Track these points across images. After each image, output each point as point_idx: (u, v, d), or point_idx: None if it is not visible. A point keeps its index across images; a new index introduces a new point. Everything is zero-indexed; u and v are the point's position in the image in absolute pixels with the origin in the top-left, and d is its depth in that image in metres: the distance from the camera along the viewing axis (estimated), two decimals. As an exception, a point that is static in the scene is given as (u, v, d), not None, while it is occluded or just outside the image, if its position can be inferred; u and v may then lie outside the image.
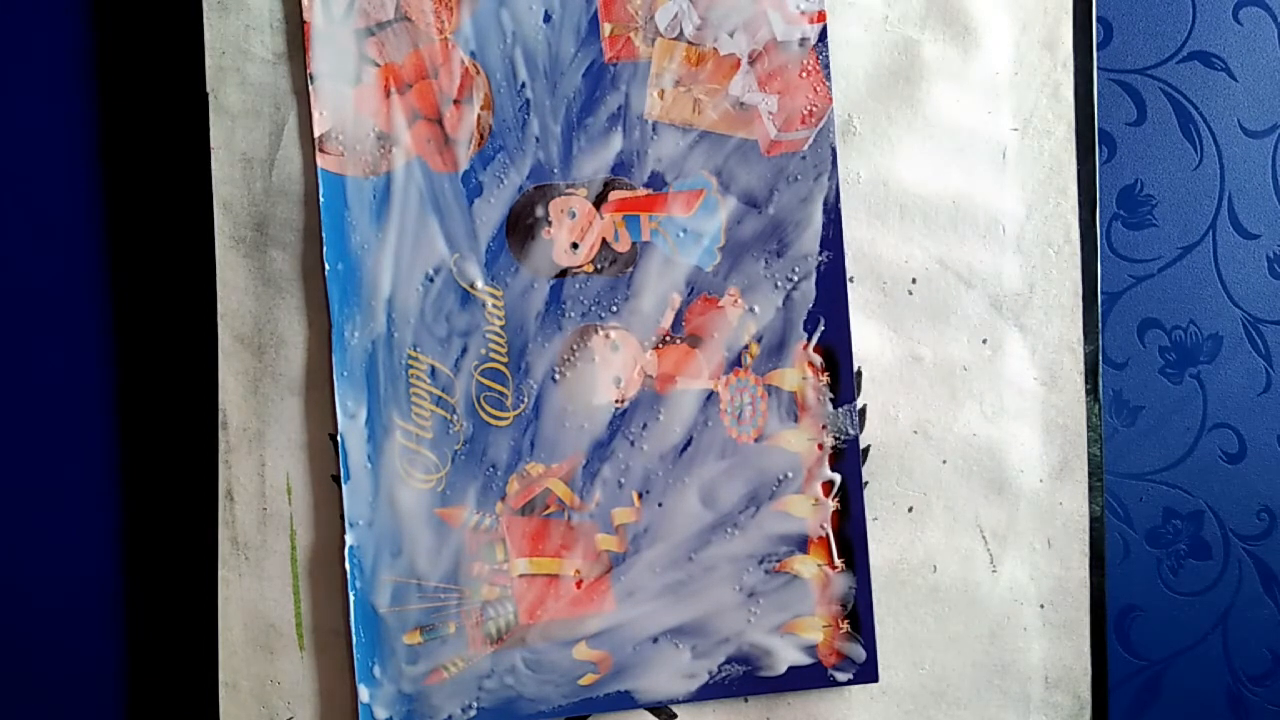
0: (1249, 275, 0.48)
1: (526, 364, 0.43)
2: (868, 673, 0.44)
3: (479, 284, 0.43)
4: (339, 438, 0.43)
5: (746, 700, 0.45)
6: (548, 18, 0.43)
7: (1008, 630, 0.45)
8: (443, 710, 0.43)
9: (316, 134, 0.42)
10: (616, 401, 0.44)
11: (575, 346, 0.43)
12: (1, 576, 0.45)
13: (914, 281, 0.44)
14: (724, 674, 0.44)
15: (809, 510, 0.44)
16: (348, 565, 0.43)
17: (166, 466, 0.45)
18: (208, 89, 0.42)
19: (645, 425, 0.43)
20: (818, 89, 0.43)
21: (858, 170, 0.44)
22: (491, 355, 0.43)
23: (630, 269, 0.43)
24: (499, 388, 0.43)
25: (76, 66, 0.44)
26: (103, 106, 0.45)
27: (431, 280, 0.43)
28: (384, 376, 0.43)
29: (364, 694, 0.43)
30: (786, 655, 0.44)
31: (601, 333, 0.43)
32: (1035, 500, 0.45)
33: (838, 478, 0.44)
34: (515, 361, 0.43)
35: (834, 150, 0.43)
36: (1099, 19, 0.46)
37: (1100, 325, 0.45)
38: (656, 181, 0.43)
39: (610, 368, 0.43)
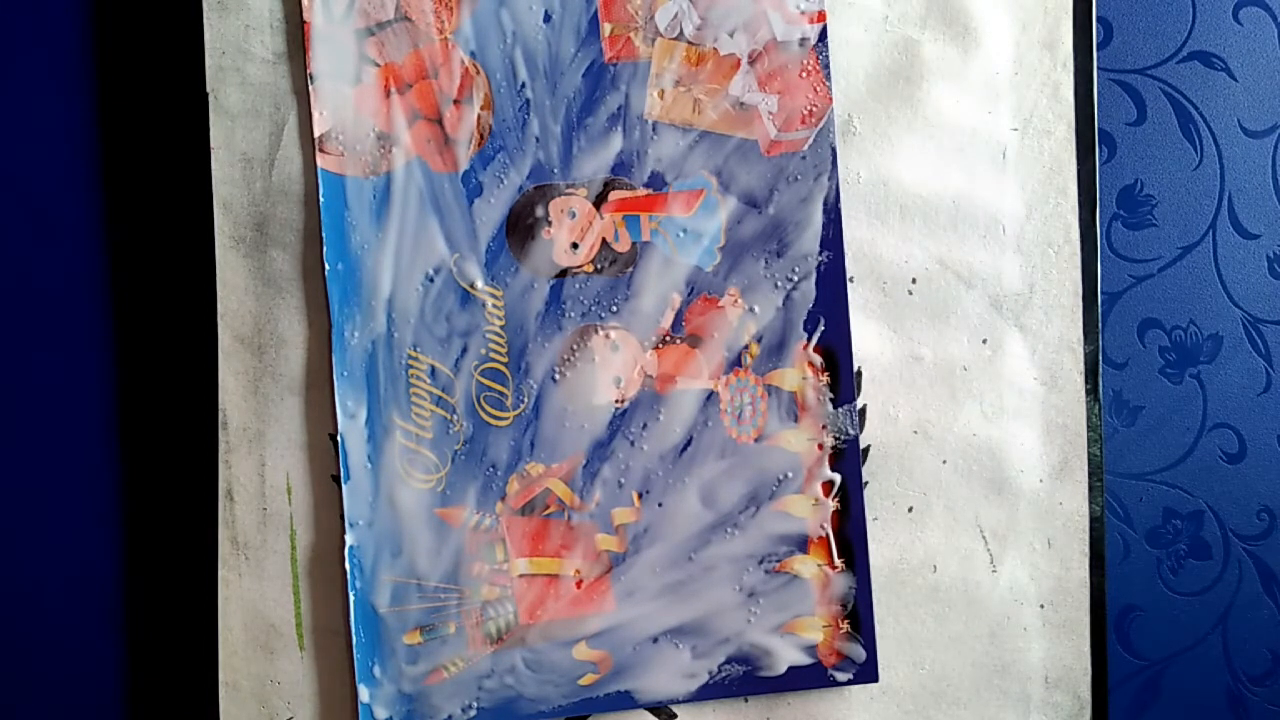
0: (1249, 275, 0.48)
1: (526, 364, 0.43)
2: (868, 673, 0.44)
3: (479, 284, 0.43)
4: (339, 438, 0.43)
5: (746, 700, 0.45)
6: (548, 18, 0.43)
7: (1008, 630, 0.45)
8: (443, 710, 0.43)
9: (316, 134, 0.42)
10: (616, 401, 0.44)
11: (575, 346, 0.43)
12: (2, 576, 0.45)
13: (914, 281, 0.44)
14: (724, 674, 0.44)
15: (809, 510, 0.44)
16: (348, 565, 0.43)
17: (166, 466, 0.45)
18: (208, 89, 0.42)
19: (645, 425, 0.43)
20: (818, 89, 0.43)
21: (858, 170, 0.44)
22: (491, 355, 0.43)
23: (630, 269, 0.43)
24: (499, 388, 0.43)
25: (76, 66, 0.44)
26: (103, 106, 0.45)
27: (431, 280, 0.43)
28: (384, 376, 0.43)
29: (364, 694, 0.43)
30: (786, 655, 0.44)
31: (601, 333, 0.43)
32: (1035, 500, 0.45)
33: (838, 478, 0.44)
34: (515, 361, 0.43)
35: (834, 150, 0.43)
36: (1099, 19, 0.46)
37: (1100, 325, 0.45)
38: (656, 181, 0.43)
39: (610, 368, 0.43)
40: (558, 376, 0.43)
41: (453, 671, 0.43)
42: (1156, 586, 0.49)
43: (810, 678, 0.44)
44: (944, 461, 0.45)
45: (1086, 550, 0.45)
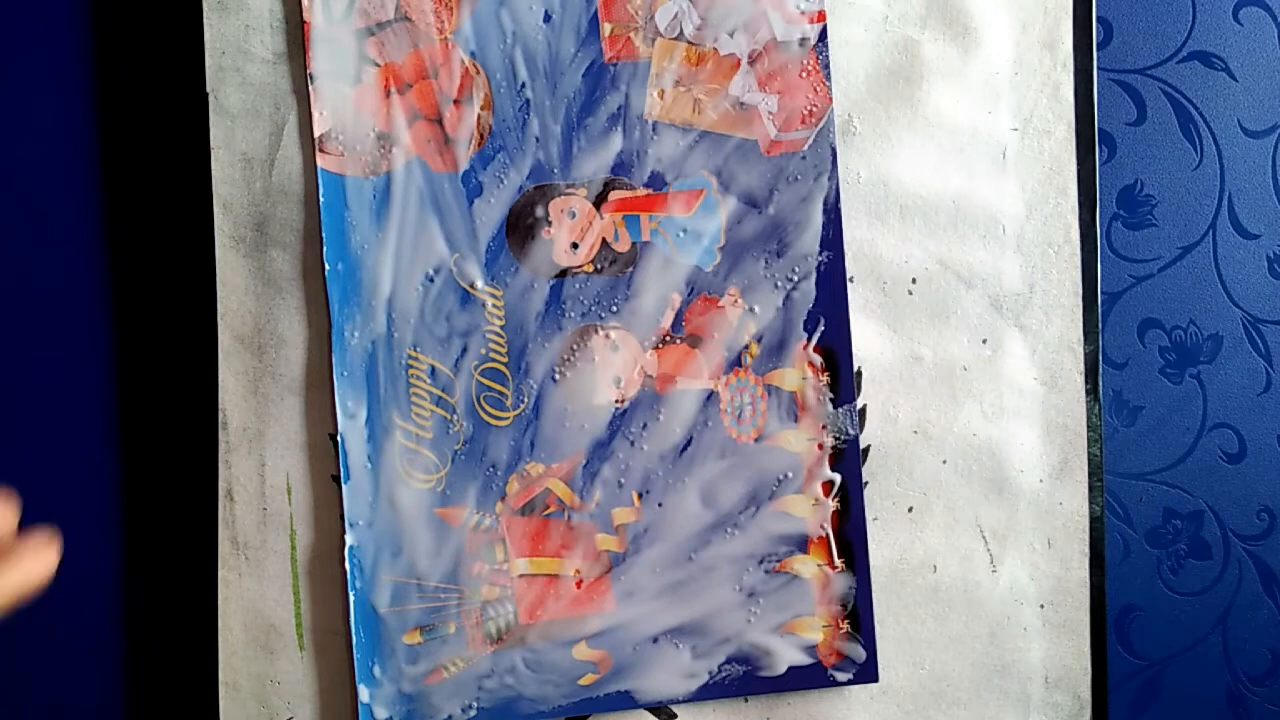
0: (1249, 275, 0.48)
1: (526, 364, 0.43)
2: (868, 673, 0.44)
3: (479, 284, 0.43)
4: (339, 438, 0.43)
5: (746, 700, 0.45)
6: (548, 18, 0.43)
7: (1008, 630, 0.45)
8: (443, 710, 0.43)
9: (316, 134, 0.42)
10: (616, 401, 0.43)
11: (575, 346, 0.43)
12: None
13: (914, 281, 0.44)
14: (724, 674, 0.44)
15: (809, 510, 0.44)
16: (348, 565, 0.43)
17: (166, 466, 0.45)
18: (208, 89, 0.42)
19: (645, 425, 0.43)
20: (818, 89, 0.43)
21: (858, 170, 0.44)
22: (491, 355, 0.43)
23: (630, 269, 0.43)
24: (499, 388, 0.43)
25: (76, 66, 0.44)
26: (103, 106, 0.44)
27: (431, 280, 0.43)
28: (384, 376, 0.43)
29: (364, 694, 0.43)
30: (786, 655, 0.44)
31: (601, 333, 0.43)
32: (1035, 500, 0.45)
33: (838, 478, 0.44)
34: (515, 361, 0.43)
35: (834, 150, 0.43)
36: (1099, 19, 0.46)
37: (1100, 325, 0.45)
38: (656, 181, 0.43)
39: (610, 368, 0.43)
40: (558, 376, 0.43)
41: (453, 671, 0.43)
42: (1156, 586, 0.49)
43: (810, 678, 0.44)
44: (944, 461, 0.45)
45: (1086, 550, 0.45)
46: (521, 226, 0.43)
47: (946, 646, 0.45)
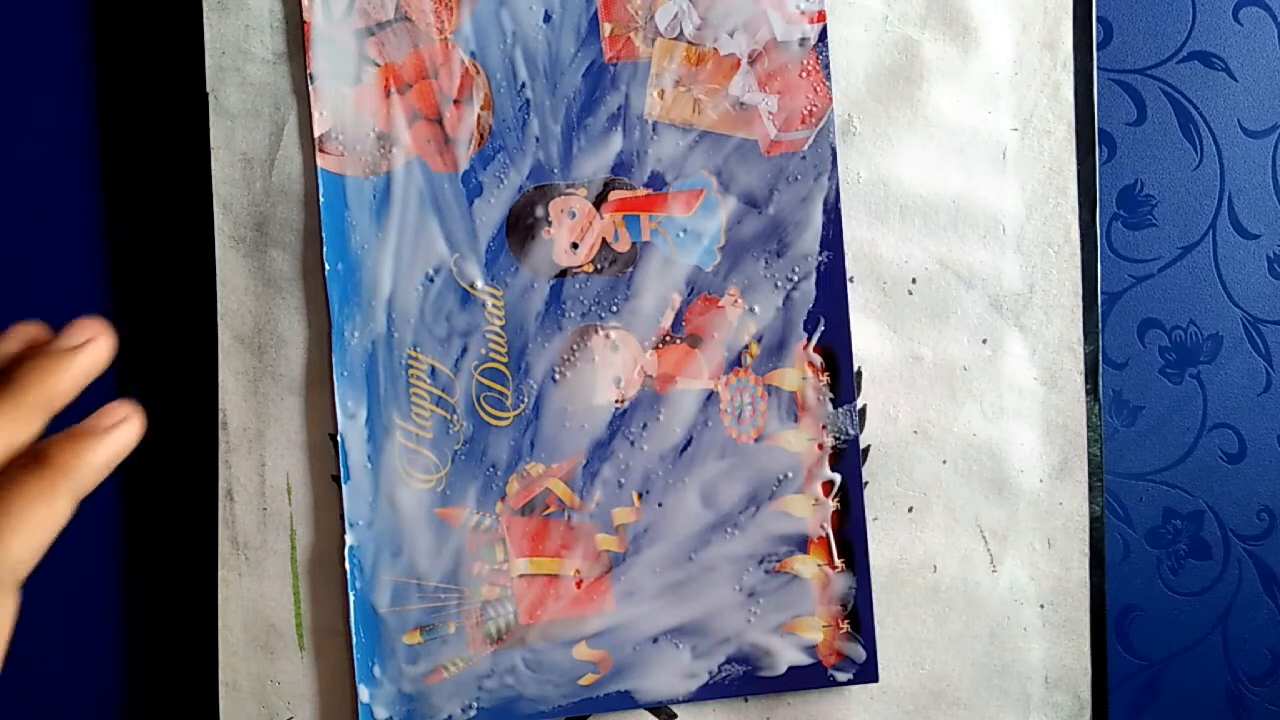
0: (1249, 275, 0.48)
1: (526, 364, 0.43)
2: (868, 673, 0.44)
3: (479, 284, 0.43)
4: (339, 438, 0.43)
5: (746, 700, 0.45)
6: (548, 18, 0.43)
7: (1008, 630, 0.45)
8: (443, 710, 0.43)
9: (316, 134, 0.42)
10: (616, 401, 0.44)
11: (575, 346, 0.43)
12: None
13: (914, 281, 0.44)
14: (724, 674, 0.44)
15: (809, 510, 0.44)
16: (348, 565, 0.43)
17: (166, 466, 0.45)
18: (208, 89, 0.42)
19: (645, 425, 0.43)
20: (818, 89, 0.43)
21: (858, 170, 0.44)
22: (491, 355, 0.43)
23: (630, 269, 0.43)
24: (499, 388, 0.43)
25: (76, 66, 0.44)
26: (103, 106, 0.44)
27: (431, 280, 0.43)
28: (384, 376, 0.43)
29: (364, 694, 0.43)
30: (786, 655, 0.44)
31: (601, 333, 0.43)
32: (1035, 500, 0.45)
33: (838, 478, 0.44)
34: (515, 361, 0.43)
35: (834, 150, 0.43)
36: (1099, 19, 0.46)
37: (1100, 325, 0.45)
38: (656, 181, 0.43)
39: (610, 368, 0.43)
40: (558, 376, 0.43)
41: (453, 671, 0.43)
42: (1156, 586, 0.49)
43: (810, 678, 0.44)
44: (944, 461, 0.45)
45: (1086, 550, 0.45)
46: (521, 226, 0.43)
47: (946, 646, 0.45)
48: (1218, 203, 0.48)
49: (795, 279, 0.43)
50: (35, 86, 0.44)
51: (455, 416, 0.43)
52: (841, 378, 0.44)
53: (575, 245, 0.43)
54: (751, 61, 0.43)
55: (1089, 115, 0.45)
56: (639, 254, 0.43)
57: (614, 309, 0.43)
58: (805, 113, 0.43)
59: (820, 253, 0.43)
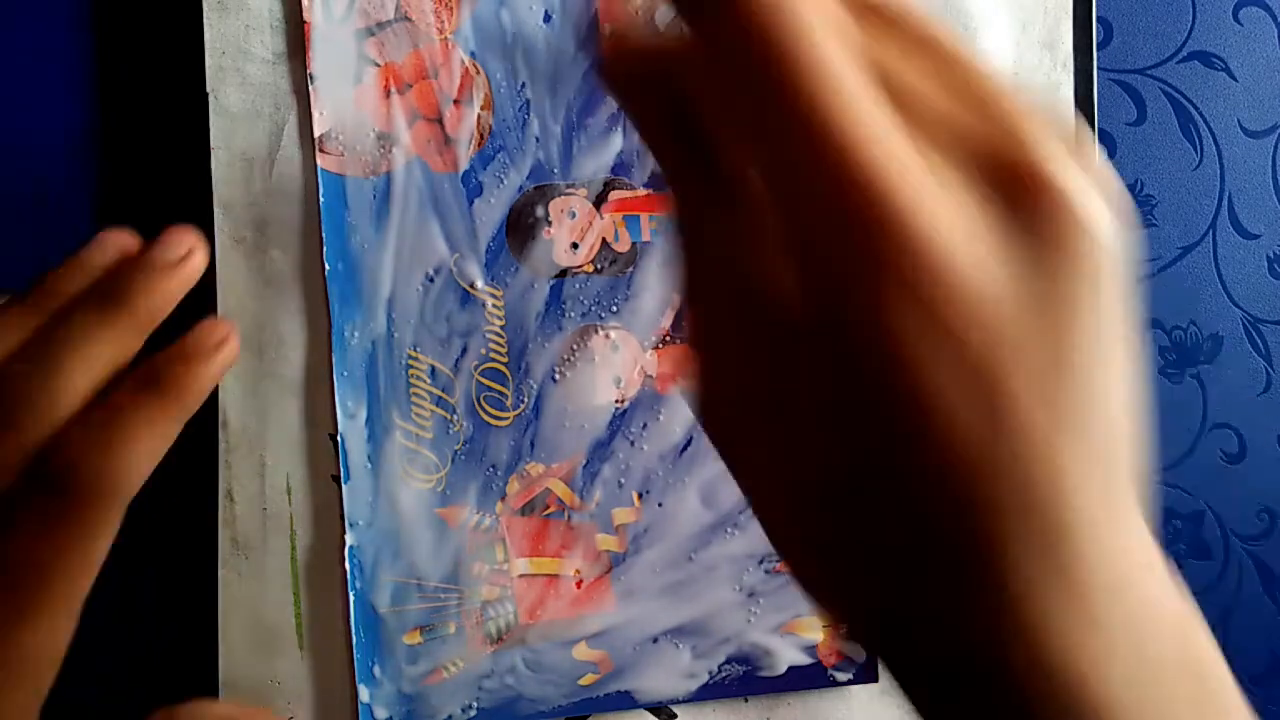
0: (1249, 275, 0.48)
1: (526, 364, 0.43)
2: (868, 673, 0.44)
3: (479, 284, 0.43)
4: (339, 438, 0.43)
5: (746, 700, 0.45)
6: (548, 18, 0.43)
7: (1008, 630, 0.45)
8: (443, 710, 0.43)
9: (316, 134, 0.42)
10: (617, 401, 0.43)
11: (575, 346, 0.43)
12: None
13: (914, 281, 0.44)
14: (724, 674, 0.44)
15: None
16: (348, 565, 0.43)
17: (166, 466, 0.45)
18: (208, 89, 0.42)
19: (645, 425, 0.43)
20: (818, 89, 0.43)
21: (858, 170, 0.44)
22: (491, 355, 0.43)
23: (630, 269, 0.43)
24: (499, 388, 0.43)
25: (76, 66, 0.44)
26: (103, 106, 0.44)
27: (431, 280, 0.43)
28: (384, 376, 0.43)
29: (364, 694, 0.43)
30: (787, 655, 0.44)
31: (601, 333, 0.43)
32: (1035, 500, 0.45)
33: (838, 478, 0.44)
34: (515, 361, 0.43)
35: (834, 150, 0.43)
36: (1099, 19, 0.46)
37: (1100, 325, 0.45)
38: (657, 181, 0.43)
39: (610, 368, 0.43)
40: (558, 376, 0.43)
41: (453, 671, 0.43)
42: (1156, 586, 0.48)
43: (810, 677, 0.44)
44: (944, 461, 0.45)
45: (1086, 550, 0.45)
46: (521, 226, 0.43)
47: (946, 646, 0.45)
48: (1218, 203, 0.48)
49: (795, 279, 0.43)
50: (35, 86, 0.44)
51: (455, 416, 0.43)
52: (841, 378, 0.44)
53: (575, 245, 0.43)
54: (751, 61, 0.43)
55: (1089, 115, 0.45)
56: (639, 254, 0.43)
57: (614, 309, 0.43)
58: (805, 113, 0.43)
59: (820, 253, 0.43)
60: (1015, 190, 0.17)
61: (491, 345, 0.43)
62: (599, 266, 0.43)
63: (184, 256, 0.28)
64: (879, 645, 0.19)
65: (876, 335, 0.17)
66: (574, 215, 0.43)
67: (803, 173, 0.17)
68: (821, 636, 0.44)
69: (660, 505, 0.44)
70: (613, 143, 0.43)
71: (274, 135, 0.43)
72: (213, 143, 0.42)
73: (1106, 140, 0.47)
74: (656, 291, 0.43)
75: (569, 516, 0.44)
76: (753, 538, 0.44)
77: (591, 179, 0.43)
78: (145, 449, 0.25)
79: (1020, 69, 0.45)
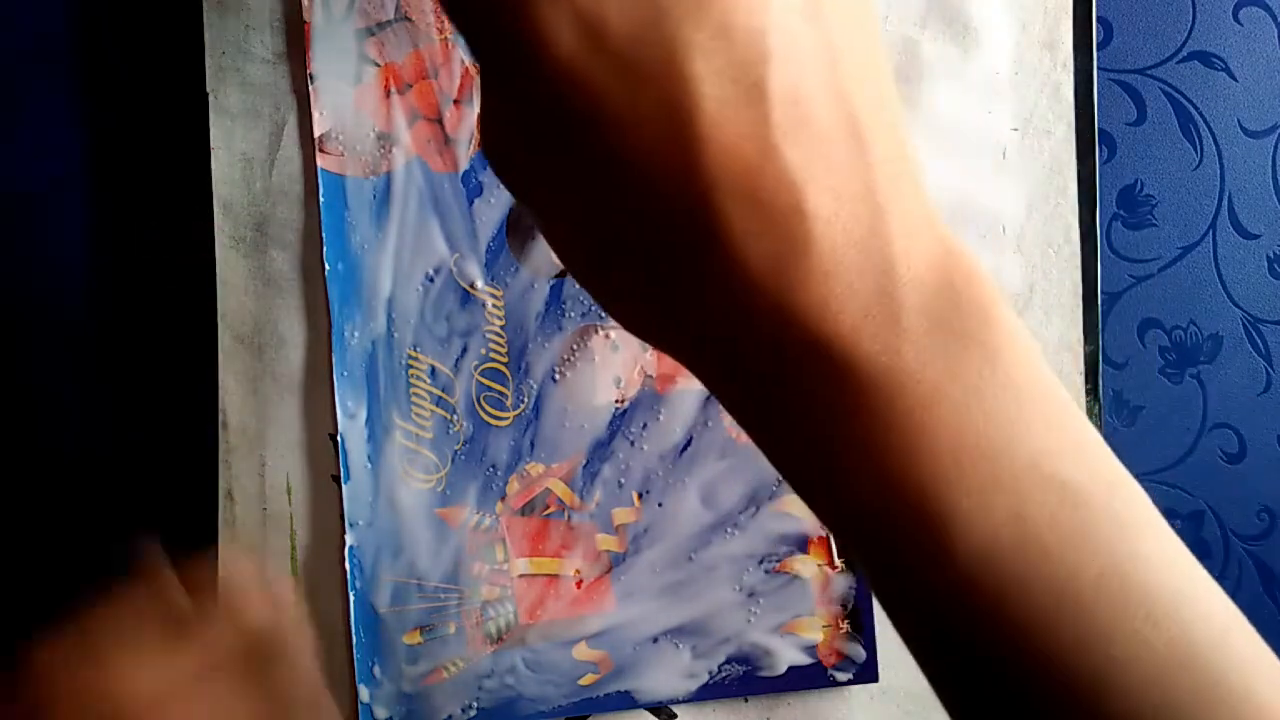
0: (1249, 275, 0.48)
1: (526, 364, 0.43)
2: (868, 673, 0.44)
3: (479, 284, 0.43)
4: (339, 438, 0.43)
5: (746, 700, 0.45)
6: (548, 18, 0.43)
7: (1008, 630, 0.45)
8: (443, 710, 0.43)
9: (316, 134, 0.42)
10: (617, 401, 0.43)
11: (575, 346, 0.43)
12: (2, 578, 0.45)
13: (914, 281, 0.44)
14: (724, 674, 0.44)
15: (809, 510, 0.44)
16: (348, 565, 0.43)
17: (166, 466, 0.45)
18: (208, 89, 0.42)
19: (645, 425, 0.43)
20: (818, 89, 0.43)
21: (858, 170, 0.44)
22: (491, 355, 0.43)
23: (630, 269, 0.43)
24: (499, 388, 0.43)
25: (76, 66, 0.44)
26: (103, 106, 0.44)
27: (431, 280, 0.43)
28: (384, 376, 0.43)
29: (364, 693, 0.43)
30: (786, 655, 0.44)
31: (601, 333, 0.43)
32: (1035, 500, 0.45)
33: (838, 478, 0.44)
34: (515, 361, 0.43)
35: (834, 150, 0.43)
36: (1099, 19, 0.46)
37: (1100, 325, 0.45)
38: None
39: (610, 368, 0.43)
40: (558, 376, 0.43)
41: (453, 671, 0.43)
42: (1156, 586, 0.48)
43: (810, 678, 0.44)
44: (944, 461, 0.45)
45: (1086, 550, 0.45)
46: (522, 226, 0.43)
47: (946, 646, 0.45)
48: (1218, 203, 0.48)
49: (795, 279, 0.43)
50: (35, 86, 0.44)
51: (455, 416, 0.43)
52: (841, 378, 0.44)
53: (575, 245, 0.43)
54: (751, 61, 0.43)
55: (1089, 115, 0.45)
56: (639, 254, 0.43)
57: (614, 309, 0.43)
58: (805, 113, 0.43)
59: (820, 253, 0.43)
60: None
61: (491, 345, 0.43)
62: (599, 266, 0.43)
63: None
64: (666, 348, 0.21)
65: (532, 49, 0.18)
66: (574, 215, 0.43)
67: None
68: (821, 636, 0.44)
69: (660, 505, 0.44)
70: (613, 143, 0.43)
71: (274, 135, 0.43)
72: (213, 143, 0.42)
73: (1106, 140, 0.47)
74: (656, 291, 0.43)
75: (569, 516, 0.44)
76: (753, 538, 0.44)
77: (591, 179, 0.43)
78: None
79: (1020, 69, 0.45)
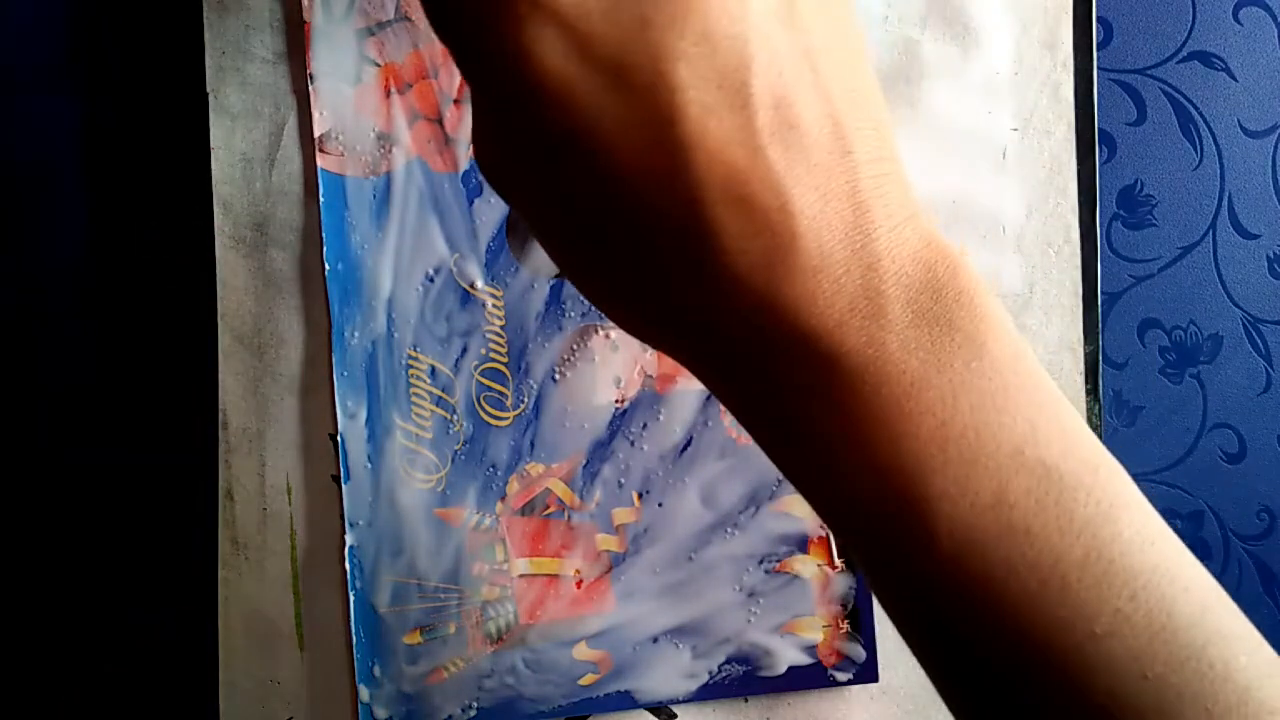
0: (1249, 275, 0.48)
1: (526, 364, 0.43)
2: (868, 673, 0.44)
3: (479, 284, 0.43)
4: (339, 438, 0.43)
5: (746, 700, 0.45)
6: (548, 18, 0.43)
7: (1008, 630, 0.45)
8: (443, 710, 0.43)
9: (316, 134, 0.42)
10: (616, 401, 0.43)
11: (575, 346, 0.43)
12: (1, 578, 0.45)
13: (914, 281, 0.44)
14: (724, 674, 0.44)
15: (809, 510, 0.44)
16: (348, 565, 0.43)
17: (166, 466, 0.45)
18: (208, 89, 0.42)
19: (645, 425, 0.43)
20: (818, 89, 0.43)
21: (858, 170, 0.44)
22: (491, 355, 0.43)
23: (630, 269, 0.43)
24: (499, 388, 0.43)
25: (76, 66, 0.44)
26: (102, 106, 0.44)
27: (431, 280, 0.43)
28: (384, 377, 0.43)
29: (364, 693, 0.43)
30: (786, 655, 0.44)
31: (601, 333, 0.43)
32: (1035, 500, 0.45)
33: (838, 478, 0.44)
34: (515, 361, 0.43)
35: (834, 150, 0.43)
36: (1099, 19, 0.46)
37: (1100, 325, 0.45)
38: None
39: (610, 368, 0.43)
40: (558, 376, 0.43)
41: (453, 671, 0.43)
42: (1156, 586, 0.48)
43: (810, 678, 0.44)
44: (944, 461, 0.45)
45: (1086, 550, 0.45)
46: (522, 226, 0.43)
47: (946, 646, 0.45)
48: (1218, 203, 0.48)
49: (795, 279, 0.43)
50: (35, 86, 0.44)
51: (455, 416, 0.43)
52: (841, 378, 0.44)
53: (575, 245, 0.43)
54: (751, 61, 0.43)
55: (1089, 115, 0.45)
56: (639, 254, 0.43)
57: (614, 309, 0.43)
58: (805, 113, 0.43)
59: (820, 253, 0.43)
60: None
61: (491, 345, 0.43)
62: (599, 266, 0.43)
63: None
64: (663, 347, 0.22)
65: (508, 55, 0.18)
66: (574, 215, 0.43)
67: None
68: (821, 636, 0.44)
69: (660, 505, 0.44)
70: (613, 143, 0.43)
71: (274, 135, 0.43)
72: (213, 143, 0.42)
73: (1106, 140, 0.47)
74: (656, 291, 0.43)
75: (569, 516, 0.44)
76: (753, 538, 0.44)
77: (591, 179, 0.43)
78: None
79: (1020, 69, 0.45)
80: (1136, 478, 0.20)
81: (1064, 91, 0.45)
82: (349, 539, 0.43)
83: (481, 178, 0.43)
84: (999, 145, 0.45)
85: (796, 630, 0.44)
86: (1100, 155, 0.46)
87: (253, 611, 0.43)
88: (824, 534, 0.44)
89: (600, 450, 0.43)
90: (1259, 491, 0.49)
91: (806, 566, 0.44)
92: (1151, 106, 0.48)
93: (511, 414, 0.43)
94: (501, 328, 0.43)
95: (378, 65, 0.42)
